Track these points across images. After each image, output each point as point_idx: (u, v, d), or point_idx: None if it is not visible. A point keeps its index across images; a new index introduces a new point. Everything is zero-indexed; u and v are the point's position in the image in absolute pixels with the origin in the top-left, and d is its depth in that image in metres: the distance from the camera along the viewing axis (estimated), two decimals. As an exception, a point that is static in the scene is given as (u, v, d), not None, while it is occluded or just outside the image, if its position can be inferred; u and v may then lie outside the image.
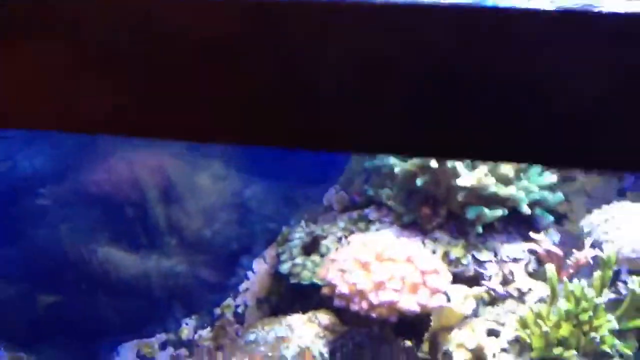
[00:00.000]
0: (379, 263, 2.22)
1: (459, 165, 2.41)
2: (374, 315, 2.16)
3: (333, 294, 2.23)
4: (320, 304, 2.48)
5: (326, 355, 2.21)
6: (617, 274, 2.20)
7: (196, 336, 2.79)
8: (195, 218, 3.53)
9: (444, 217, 2.58)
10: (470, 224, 2.48)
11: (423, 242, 2.52)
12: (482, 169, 2.40)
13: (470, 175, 2.39)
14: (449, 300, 2.27)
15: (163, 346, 2.75)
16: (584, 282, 1.99)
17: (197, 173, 3.56)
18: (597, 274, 2.04)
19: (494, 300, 2.35)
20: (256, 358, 2.14)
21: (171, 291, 3.10)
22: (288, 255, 2.74)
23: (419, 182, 2.50)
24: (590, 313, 1.92)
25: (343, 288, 2.19)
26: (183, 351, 2.73)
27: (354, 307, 2.17)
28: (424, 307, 2.16)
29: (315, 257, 2.68)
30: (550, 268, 2.09)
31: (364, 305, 2.15)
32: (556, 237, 2.57)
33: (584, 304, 1.94)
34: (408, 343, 2.32)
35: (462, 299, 2.28)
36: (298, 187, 3.48)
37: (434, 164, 2.44)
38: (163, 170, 3.51)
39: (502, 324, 2.23)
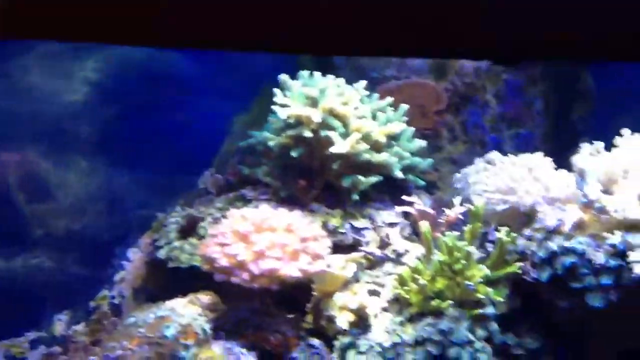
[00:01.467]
0: (259, 234, 2.19)
1: (333, 134, 2.43)
2: (256, 285, 2.12)
3: (213, 269, 2.18)
4: (201, 287, 2.41)
5: (209, 332, 2.15)
6: (485, 235, 2.31)
7: (70, 331, 2.62)
8: (63, 213, 3.36)
9: (321, 188, 2.59)
10: (346, 193, 2.52)
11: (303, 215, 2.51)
12: (355, 135, 2.43)
13: (344, 143, 2.42)
14: (329, 266, 2.28)
15: (34, 345, 2.56)
16: (456, 233, 2.07)
17: (63, 169, 3.39)
18: (467, 227, 2.13)
19: (373, 264, 2.39)
20: (135, 339, 2.04)
21: (41, 288, 2.92)
22: (165, 240, 2.65)
23: (294, 153, 2.50)
24: (464, 261, 2.00)
25: (223, 261, 2.14)
26: (56, 348, 2.55)
27: (235, 279, 2.13)
28: (305, 273, 2.15)
29: (193, 240, 2.61)
30: (424, 224, 2.15)
31: (245, 276, 2.11)
32: (428, 201, 2.66)
33: (456, 254, 2.01)
34: (292, 314, 2.31)
35: (342, 264, 2.29)
36: (170, 175, 3.40)
37: (307, 133, 2.45)
38: (27, 168, 3.32)
39: (382, 285, 2.27)
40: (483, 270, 2.04)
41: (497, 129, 3.03)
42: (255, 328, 2.24)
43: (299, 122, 2.49)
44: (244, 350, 2.17)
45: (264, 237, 2.16)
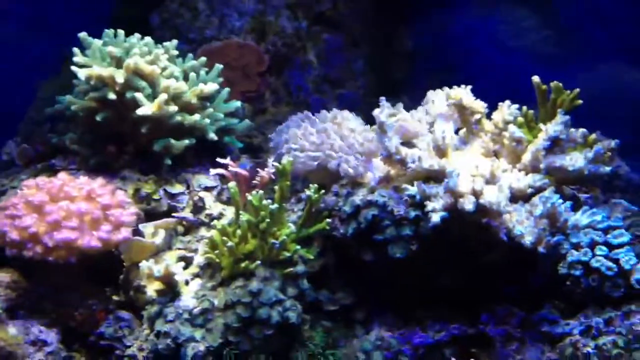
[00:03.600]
0: (54, 204, 2.02)
1: (139, 96, 2.30)
2: (51, 258, 1.97)
3: (4, 244, 1.99)
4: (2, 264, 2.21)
5: (1, 312, 1.98)
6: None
7: None
8: None
9: (132, 154, 2.46)
10: (159, 158, 2.40)
11: (113, 183, 2.36)
12: (163, 96, 2.31)
13: (151, 105, 2.29)
14: (139, 234, 2.17)
15: None
16: (261, 192, 2.03)
17: None
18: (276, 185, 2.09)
19: (187, 229, 2.31)
20: None
21: None
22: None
23: (98, 117, 2.34)
24: (268, 220, 1.96)
25: (13, 234, 1.97)
26: None
27: (28, 253, 1.96)
28: (107, 243, 2.02)
29: (-5, 216, 2.38)
30: (231, 185, 2.09)
31: (38, 249, 1.95)
32: (249, 164, 2.60)
33: (262, 213, 1.97)
34: (102, 287, 2.18)
35: (152, 231, 2.19)
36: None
37: (111, 95, 2.30)
38: None
39: (195, 251, 2.20)
40: (289, 228, 2.01)
41: (320, 90, 3.03)
42: (57, 304, 2.09)
43: (103, 84, 2.33)
44: (43, 329, 2.02)
45: (59, 207, 2.00)
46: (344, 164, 2.09)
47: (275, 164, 2.11)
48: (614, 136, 2.21)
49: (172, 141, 2.37)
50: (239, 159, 2.63)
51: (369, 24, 3.04)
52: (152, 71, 2.33)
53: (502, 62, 3.39)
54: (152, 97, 2.34)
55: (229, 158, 2.34)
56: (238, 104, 2.54)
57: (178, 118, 2.36)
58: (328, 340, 2.08)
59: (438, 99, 2.23)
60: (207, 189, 2.42)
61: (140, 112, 2.28)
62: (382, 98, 2.09)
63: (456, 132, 2.26)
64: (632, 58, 3.23)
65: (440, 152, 2.03)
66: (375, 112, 2.07)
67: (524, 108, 2.23)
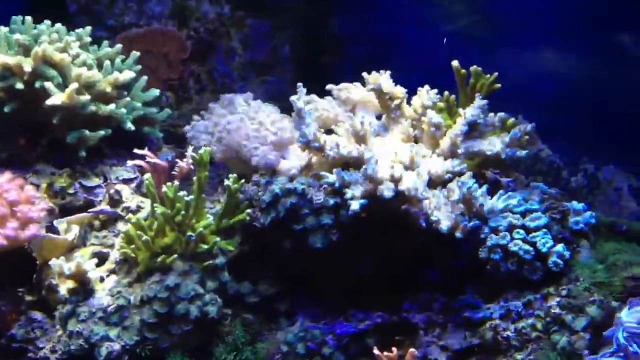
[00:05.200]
0: (-44, 201, 1.91)
1: (49, 85, 2.18)
2: (-48, 259, 1.86)
3: None
4: None
5: None
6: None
7: None
8: None
9: (47, 146, 2.34)
10: (74, 150, 2.30)
11: (25, 178, 2.24)
12: (74, 85, 2.20)
13: (61, 94, 2.19)
14: (53, 231, 2.07)
15: None
16: (177, 184, 1.96)
17: None
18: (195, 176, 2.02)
19: (104, 224, 2.22)
20: None
21: None
22: None
23: (6, 108, 2.22)
24: (184, 212, 1.90)
25: None
26: None
27: None
28: (14, 240, 1.92)
29: None
30: (147, 176, 2.01)
31: (-63, 249, 1.84)
32: (171, 155, 2.52)
33: (178, 205, 1.91)
34: (14, 288, 2.08)
35: (65, 228, 2.10)
36: None
37: (19, 85, 2.18)
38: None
39: (111, 246, 2.11)
40: (206, 220, 1.96)
41: (246, 77, 2.96)
42: (-38, 308, 1.98)
43: (11, 73, 2.21)
44: (-54, 335, 1.91)
45: (-40, 204, 1.89)
46: (256, 153, 2.03)
47: (193, 154, 2.04)
48: (539, 120, 2.22)
49: (87, 132, 2.27)
50: (161, 149, 2.54)
51: (295, 8, 2.98)
52: (62, 59, 2.22)
53: (431, 46, 3.38)
54: (63, 86, 2.23)
55: (147, 149, 2.26)
56: (157, 92, 2.45)
57: (92, 108, 2.26)
58: (251, 333, 2.03)
59: (359, 85, 2.20)
60: (125, 181, 2.33)
61: (49, 102, 2.17)
62: (300, 84, 2.04)
63: (379, 118, 2.24)
64: (556, 43, 3.28)
65: (360, 138, 2.00)
66: (292, 98, 2.02)
67: (446, 93, 2.22)
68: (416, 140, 2.10)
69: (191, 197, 1.92)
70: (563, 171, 3.06)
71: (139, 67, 2.46)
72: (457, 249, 2.00)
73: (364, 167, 1.86)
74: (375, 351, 1.76)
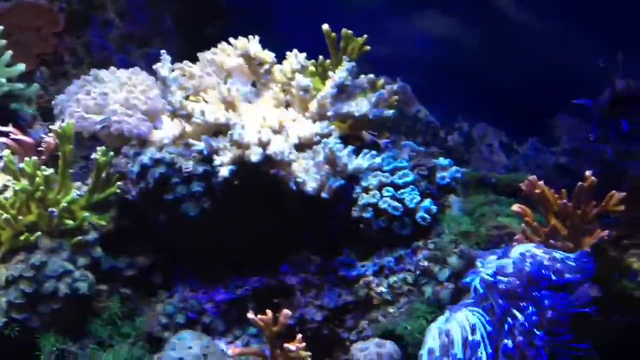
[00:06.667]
0: None
1: None
2: None
3: None
4: None
5: None
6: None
7: None
8: None
9: None
10: None
11: None
12: None
13: None
14: None
15: None
16: (35, 159, 1.88)
17: None
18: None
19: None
20: None
21: None
22: None
23: None
24: (43, 187, 1.83)
25: None
26: None
27: None
28: None
29: None
30: (6, 153, 1.93)
31: None
32: (44, 131, 2.42)
33: (38, 180, 1.84)
34: None
35: None
36: None
37: None
38: None
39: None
40: (70, 195, 1.89)
41: (125, 50, 2.88)
42: None
43: None
44: None
45: None
46: (127, 124, 1.98)
47: (55, 128, 1.97)
48: (417, 82, 2.27)
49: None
50: (32, 126, 2.44)
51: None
52: None
53: (316, 18, 3.39)
54: None
55: (10, 125, 2.17)
56: (22, 67, 2.34)
57: None
58: (129, 308, 2.00)
59: (231, 51, 2.17)
60: (-6, 159, 2.22)
61: None
62: (163, 52, 2.00)
63: (254, 85, 2.22)
64: (435, 8, 3.34)
65: (229, 104, 1.98)
66: (156, 66, 1.98)
67: (321, 58, 2.22)
68: (288, 105, 2.10)
69: (50, 171, 1.86)
70: (440, 130, 3.15)
71: (4, 41, 2.34)
72: (331, 210, 2.02)
73: (229, 132, 1.85)
74: (250, 315, 1.76)
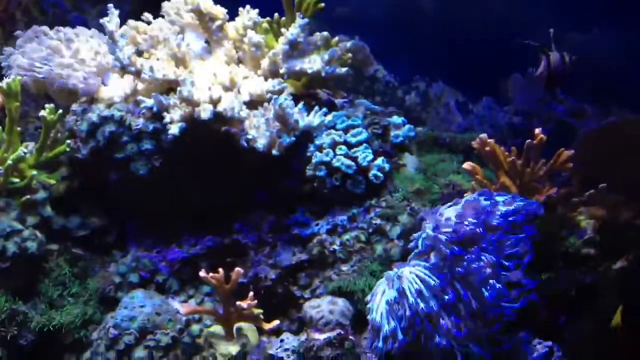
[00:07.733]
0: None
1: None
2: None
3: None
4: None
5: None
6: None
7: None
8: None
9: None
10: None
11: None
12: None
13: None
14: None
15: None
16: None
17: None
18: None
19: None
20: None
21: None
22: None
23: None
24: (-13, 145, 1.79)
25: None
26: None
27: None
28: None
29: None
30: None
31: None
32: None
33: (-19, 139, 1.80)
34: None
35: None
36: None
37: None
38: None
39: None
40: (16, 153, 1.86)
41: (79, 8, 2.80)
42: None
43: None
44: None
45: None
46: (73, 80, 1.94)
47: (2, 85, 1.91)
48: (375, 41, 2.25)
49: None
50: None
51: None
52: None
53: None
54: None
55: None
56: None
57: None
58: (81, 268, 1.98)
59: (182, 6, 2.12)
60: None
61: None
62: (110, 5, 1.95)
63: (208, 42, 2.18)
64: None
65: (179, 61, 1.94)
66: (102, 20, 1.93)
67: (276, 15, 2.18)
68: (240, 62, 2.06)
69: (-4, 128, 1.81)
70: (398, 90, 3.13)
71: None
72: (286, 169, 2.02)
73: (179, 89, 1.82)
74: (202, 273, 1.76)
